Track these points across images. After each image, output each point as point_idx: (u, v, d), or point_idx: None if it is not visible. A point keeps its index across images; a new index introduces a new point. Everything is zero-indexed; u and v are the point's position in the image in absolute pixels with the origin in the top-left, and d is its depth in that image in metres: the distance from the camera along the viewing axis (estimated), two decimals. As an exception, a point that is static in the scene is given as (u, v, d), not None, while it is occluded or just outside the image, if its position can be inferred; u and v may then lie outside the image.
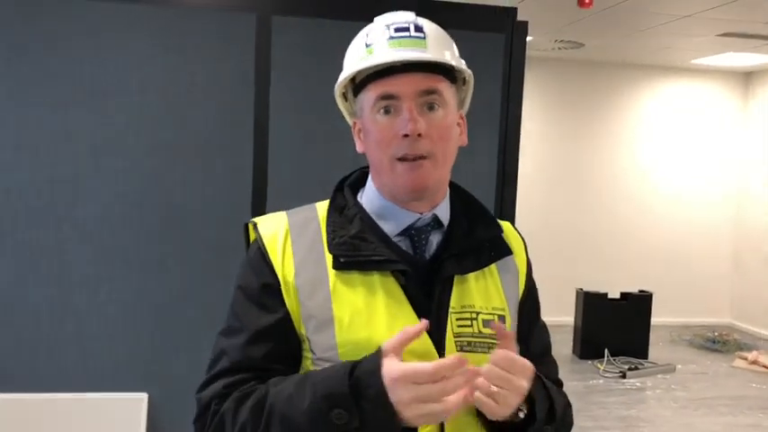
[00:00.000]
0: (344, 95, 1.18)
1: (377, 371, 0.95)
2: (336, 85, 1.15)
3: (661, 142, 7.60)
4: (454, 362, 0.94)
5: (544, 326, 1.30)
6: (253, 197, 2.31)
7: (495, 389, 0.99)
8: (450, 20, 2.43)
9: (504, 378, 1.00)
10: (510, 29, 2.44)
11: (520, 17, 2.47)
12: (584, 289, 6.26)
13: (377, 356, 0.97)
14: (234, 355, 1.08)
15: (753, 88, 7.66)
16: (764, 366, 5.98)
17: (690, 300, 7.64)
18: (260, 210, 2.28)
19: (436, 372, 0.93)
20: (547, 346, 1.27)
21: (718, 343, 6.69)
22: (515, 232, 1.28)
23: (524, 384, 1.01)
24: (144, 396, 2.27)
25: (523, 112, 2.55)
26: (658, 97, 7.59)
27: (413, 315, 1.06)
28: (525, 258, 1.26)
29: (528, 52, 2.56)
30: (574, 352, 6.27)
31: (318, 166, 2.31)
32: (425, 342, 1.05)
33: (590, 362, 6.01)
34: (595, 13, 5.02)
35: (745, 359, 6.16)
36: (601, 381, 5.59)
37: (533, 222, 7.01)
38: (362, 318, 1.05)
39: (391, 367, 0.95)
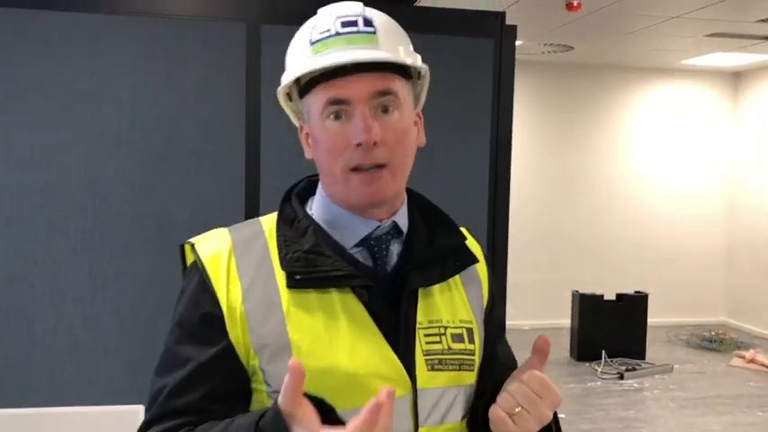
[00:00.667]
0: (289, 95, 1.07)
1: None
2: (279, 89, 1.04)
3: (652, 143, 7.63)
4: (377, 408, 0.78)
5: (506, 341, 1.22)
6: (246, 207, 2.31)
7: (518, 409, 0.93)
8: (438, 25, 2.45)
9: (531, 400, 0.94)
10: (499, 33, 2.45)
11: (508, 22, 2.48)
12: (580, 291, 6.27)
13: (282, 424, 0.81)
14: (169, 397, 0.95)
15: (742, 88, 7.70)
16: (762, 365, 6.00)
17: (685, 299, 7.66)
18: (253, 217, 2.28)
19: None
20: (514, 358, 1.18)
21: (715, 342, 6.70)
22: (473, 240, 1.18)
23: (548, 413, 0.95)
24: (139, 408, 2.26)
25: (514, 116, 2.56)
26: (649, 98, 7.63)
27: (378, 335, 0.97)
28: (486, 267, 1.17)
29: (517, 56, 2.57)
30: (571, 354, 6.28)
31: (310, 173, 2.30)
32: (394, 364, 0.96)
33: (587, 364, 6.02)
34: (583, 17, 5.04)
35: (743, 358, 6.17)
36: (599, 383, 5.60)
37: (527, 226, 7.02)
38: (323, 342, 0.94)
39: None
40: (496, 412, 0.94)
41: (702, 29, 5.51)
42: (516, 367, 1.12)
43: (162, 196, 2.29)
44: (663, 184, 7.65)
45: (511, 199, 2.54)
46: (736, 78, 7.74)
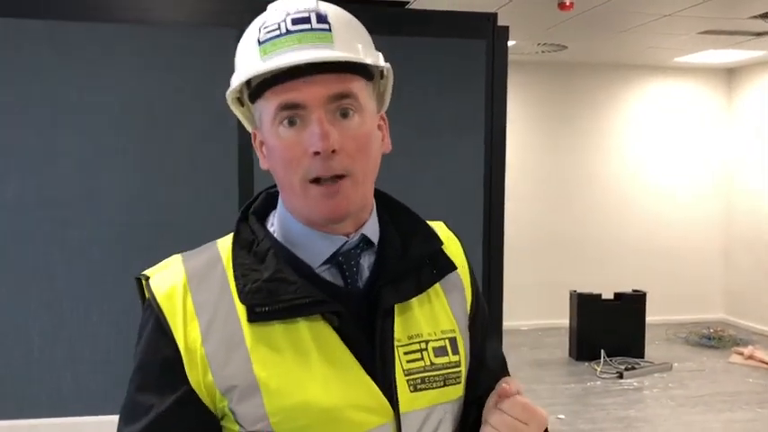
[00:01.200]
0: (239, 100, 0.99)
1: None
2: (227, 93, 0.96)
3: (648, 141, 7.65)
4: None
5: (497, 337, 1.17)
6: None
7: None
8: (430, 27, 2.45)
9: (517, 430, 0.90)
10: (491, 35, 2.45)
11: (501, 22, 2.48)
12: (578, 291, 6.27)
13: None
14: None
15: (736, 84, 7.71)
16: (761, 361, 6.00)
17: (682, 297, 7.67)
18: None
19: None
20: (504, 359, 1.12)
21: (714, 339, 6.71)
22: (451, 234, 1.10)
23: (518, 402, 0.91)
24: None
25: (509, 116, 2.56)
26: (643, 96, 7.64)
27: (353, 362, 0.90)
28: (467, 265, 1.09)
29: (511, 56, 2.56)
30: (570, 354, 6.28)
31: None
32: (373, 392, 0.90)
33: (587, 363, 6.02)
34: (576, 16, 5.05)
35: (741, 354, 6.18)
36: (598, 382, 5.60)
37: (523, 227, 7.03)
38: (293, 379, 0.87)
39: None
40: None
41: (695, 26, 5.52)
42: (505, 368, 1.10)
43: (158, 205, 2.28)
44: (658, 181, 7.66)
45: (506, 200, 2.53)
46: (729, 75, 7.76)
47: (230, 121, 2.31)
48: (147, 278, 0.96)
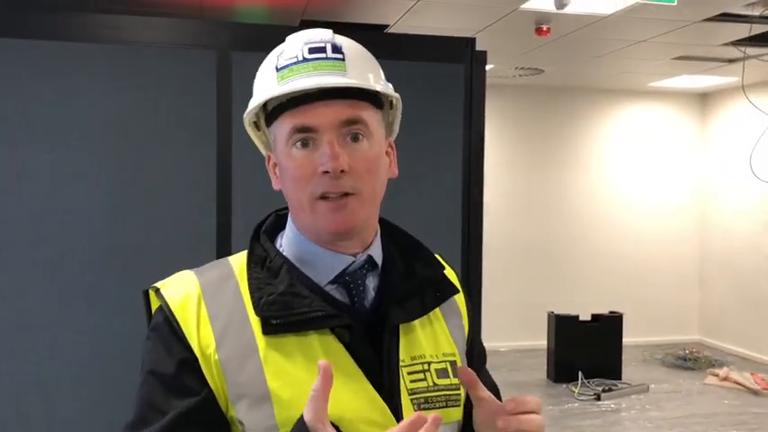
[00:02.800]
0: (256, 125, 1.04)
1: None
2: (245, 115, 1.00)
3: (623, 164, 7.74)
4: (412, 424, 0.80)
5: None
6: (217, 234, 2.29)
7: None
8: (408, 52, 2.46)
9: (527, 421, 0.91)
10: (469, 59, 2.47)
11: (479, 47, 2.51)
12: (555, 312, 6.29)
13: None
14: None
15: (709, 109, 7.85)
16: (735, 382, 6.04)
17: (659, 318, 7.73)
18: (225, 246, 2.26)
19: None
20: (497, 390, 1.12)
21: (690, 360, 6.75)
22: (449, 267, 1.14)
23: (540, 419, 0.93)
24: (110, 443, 2.21)
25: (487, 138, 2.57)
26: (619, 120, 7.75)
27: (362, 378, 0.92)
28: (463, 295, 1.12)
29: (489, 80, 2.59)
30: (548, 376, 6.28)
31: (283, 203, 2.29)
32: (380, 407, 0.92)
33: (564, 385, 6.02)
34: (553, 41, 5.12)
35: (717, 376, 6.22)
36: (576, 404, 5.60)
37: (500, 249, 7.05)
38: (304, 390, 0.87)
39: None
40: None
41: (669, 52, 5.62)
42: (498, 395, 1.09)
43: (133, 224, 2.25)
44: (634, 204, 7.74)
45: (484, 221, 2.54)
46: (702, 99, 7.90)
47: (209, 143, 2.30)
48: (158, 289, 0.98)
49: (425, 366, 0.98)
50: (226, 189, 2.31)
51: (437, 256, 1.12)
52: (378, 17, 4.43)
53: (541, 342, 6.50)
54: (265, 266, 0.97)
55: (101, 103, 2.23)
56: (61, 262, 2.21)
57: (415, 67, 2.40)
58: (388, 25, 4.61)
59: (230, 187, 2.31)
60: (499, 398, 1.11)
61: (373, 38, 2.64)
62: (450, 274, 1.11)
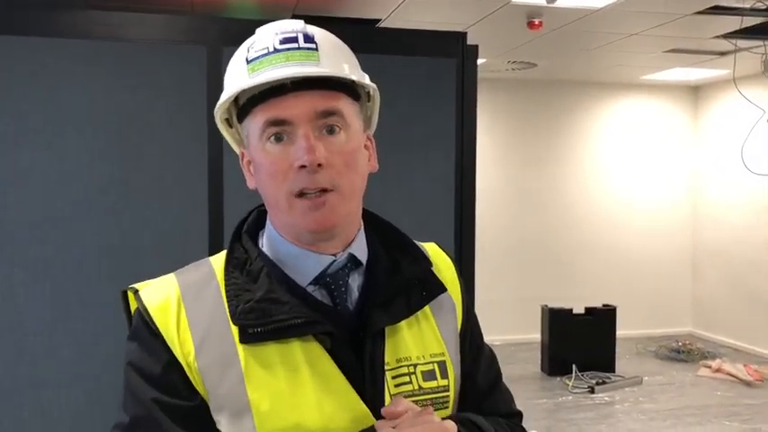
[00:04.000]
0: (228, 121, 1.00)
1: None
2: (215, 110, 0.96)
3: (616, 157, 7.75)
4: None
5: (490, 353, 1.12)
6: (210, 232, 2.28)
7: None
8: (400, 46, 2.46)
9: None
10: (461, 53, 2.47)
11: (471, 41, 2.50)
12: (549, 305, 6.30)
13: None
14: None
15: (701, 101, 7.87)
16: (728, 374, 6.08)
17: (652, 311, 7.75)
18: (217, 246, 2.25)
19: None
20: (496, 377, 1.10)
21: (683, 353, 6.78)
22: (443, 254, 1.10)
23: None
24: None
25: (479, 132, 2.57)
26: (612, 113, 7.75)
27: (346, 385, 0.89)
28: (458, 284, 1.08)
29: (482, 74, 2.59)
30: (542, 369, 6.30)
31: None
32: (364, 415, 0.89)
33: (558, 378, 6.04)
34: (545, 35, 5.11)
35: (709, 367, 6.25)
36: (570, 397, 5.62)
37: (494, 242, 7.06)
38: (286, 400, 0.86)
39: None
40: None
41: (661, 45, 5.63)
42: (497, 386, 1.08)
43: (124, 224, 2.24)
44: (627, 197, 7.76)
45: (477, 216, 2.54)
46: (695, 92, 7.91)
47: (200, 139, 2.29)
48: (136, 291, 0.94)
49: (411, 369, 0.95)
50: (217, 186, 2.30)
51: (431, 245, 1.09)
52: (369, 12, 4.42)
53: (535, 335, 6.51)
54: (245, 270, 0.93)
55: (92, 99, 2.22)
56: (54, 261, 2.19)
57: (406, 62, 2.40)
58: (379, 20, 4.60)
59: (222, 184, 2.30)
60: (498, 386, 1.09)
61: (365, 32, 2.62)
62: (444, 263, 1.07)
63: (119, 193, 2.24)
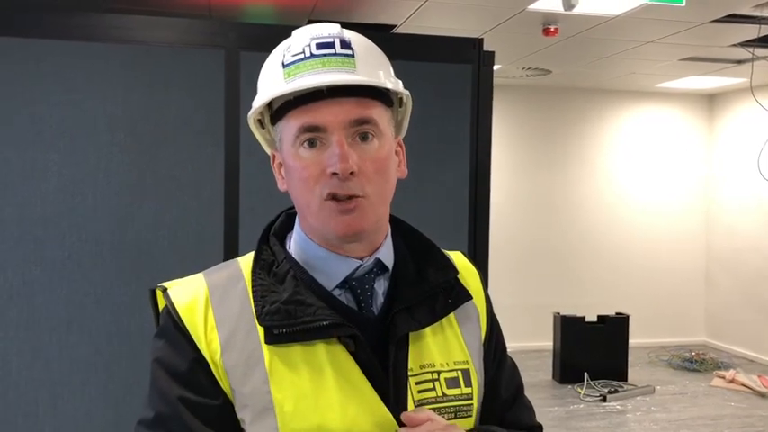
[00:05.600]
0: (260, 122, 0.99)
1: None
2: (249, 113, 0.96)
3: (630, 165, 7.71)
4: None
5: (512, 364, 1.12)
6: (225, 234, 2.30)
7: None
8: (416, 52, 2.47)
9: None
10: (476, 59, 2.47)
11: (486, 47, 2.50)
12: (562, 313, 6.27)
13: None
14: None
15: (716, 110, 7.82)
16: (742, 385, 6.02)
17: (665, 319, 7.70)
18: (233, 247, 2.26)
19: None
20: (518, 388, 1.10)
21: (696, 362, 6.72)
22: (468, 264, 1.09)
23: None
24: (117, 440, 2.22)
25: (494, 138, 2.57)
26: (626, 121, 7.72)
27: (369, 389, 0.89)
28: (483, 294, 1.08)
29: (497, 80, 2.59)
30: (554, 377, 6.26)
31: (290, 202, 2.29)
32: (386, 420, 0.89)
33: (570, 386, 6.00)
34: (560, 42, 5.10)
35: (723, 378, 6.19)
36: (581, 405, 5.58)
37: (507, 249, 7.04)
38: (309, 401, 0.87)
39: None
40: None
41: (677, 53, 5.60)
42: (519, 397, 1.08)
43: (140, 224, 2.26)
44: (641, 205, 7.72)
45: (491, 222, 2.54)
46: (710, 100, 7.86)
47: (216, 141, 2.31)
48: (165, 289, 0.95)
49: (435, 375, 0.95)
50: (233, 188, 2.31)
51: (457, 254, 1.09)
52: (385, 17, 4.43)
53: (547, 343, 6.48)
54: (272, 272, 0.94)
55: (109, 102, 2.24)
56: (70, 261, 2.22)
57: (422, 68, 2.40)
58: (395, 25, 4.61)
59: (238, 187, 2.31)
60: (519, 398, 1.09)
61: (381, 38, 2.63)
62: (469, 272, 1.07)
63: (135, 193, 2.26)
